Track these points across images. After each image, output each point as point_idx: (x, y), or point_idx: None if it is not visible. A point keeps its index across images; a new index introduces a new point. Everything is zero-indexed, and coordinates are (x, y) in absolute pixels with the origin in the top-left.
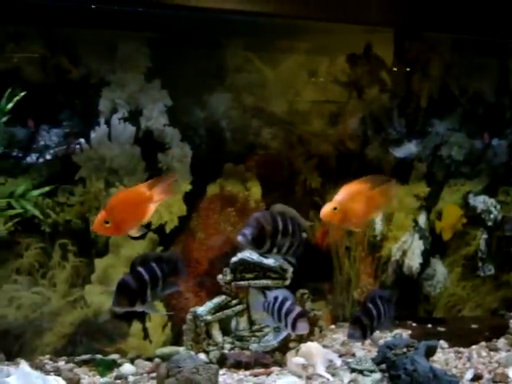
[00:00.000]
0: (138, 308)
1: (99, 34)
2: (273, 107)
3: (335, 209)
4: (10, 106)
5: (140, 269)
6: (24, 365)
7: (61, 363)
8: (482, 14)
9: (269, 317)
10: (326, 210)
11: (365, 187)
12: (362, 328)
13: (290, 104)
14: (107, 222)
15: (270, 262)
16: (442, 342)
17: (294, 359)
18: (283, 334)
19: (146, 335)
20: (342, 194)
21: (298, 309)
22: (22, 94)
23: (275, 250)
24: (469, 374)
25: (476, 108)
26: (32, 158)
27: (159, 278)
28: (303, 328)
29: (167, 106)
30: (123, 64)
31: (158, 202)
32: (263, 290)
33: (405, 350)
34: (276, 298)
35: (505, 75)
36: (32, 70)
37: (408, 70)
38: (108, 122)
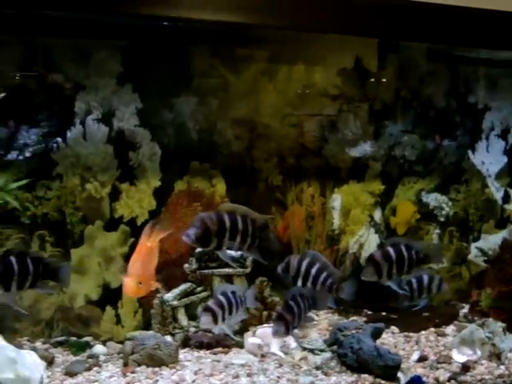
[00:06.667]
0: None
1: (75, 42)
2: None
3: (140, 283)
4: None
5: None
6: (0, 339)
7: (37, 344)
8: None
9: None
10: (131, 287)
11: (147, 245)
12: (286, 324)
13: (253, 108)
14: None
15: (231, 252)
16: (394, 328)
17: (251, 339)
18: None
19: (118, 320)
20: (137, 264)
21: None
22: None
23: (225, 248)
24: (415, 356)
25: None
26: (12, 155)
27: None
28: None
29: (138, 108)
30: (97, 69)
31: None
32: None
33: (354, 331)
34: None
35: (455, 81)
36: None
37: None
38: (83, 123)
